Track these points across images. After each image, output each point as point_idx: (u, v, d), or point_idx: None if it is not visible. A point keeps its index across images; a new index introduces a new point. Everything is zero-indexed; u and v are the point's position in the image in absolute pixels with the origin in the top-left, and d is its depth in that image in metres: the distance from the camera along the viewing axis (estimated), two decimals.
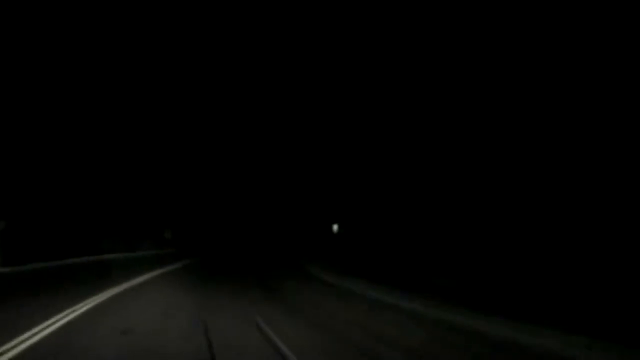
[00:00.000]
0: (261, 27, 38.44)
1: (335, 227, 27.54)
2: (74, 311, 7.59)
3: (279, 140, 47.96)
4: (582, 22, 12.62)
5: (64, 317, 7.09)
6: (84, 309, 7.88)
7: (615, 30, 11.90)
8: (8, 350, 5.20)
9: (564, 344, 6.52)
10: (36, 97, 23.11)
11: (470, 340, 7.06)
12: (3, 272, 14.46)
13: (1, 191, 19.49)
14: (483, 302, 10.24)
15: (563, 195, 13.45)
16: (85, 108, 27.95)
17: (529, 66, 14.30)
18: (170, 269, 18.62)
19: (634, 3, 11.44)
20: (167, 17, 34.54)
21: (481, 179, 18.07)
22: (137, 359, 5.11)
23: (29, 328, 6.16)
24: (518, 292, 12.22)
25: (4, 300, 8.95)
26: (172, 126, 43.40)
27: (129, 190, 35.33)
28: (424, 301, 10.34)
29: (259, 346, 5.89)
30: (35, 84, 23.10)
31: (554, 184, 13.68)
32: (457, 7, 17.97)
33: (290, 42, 36.85)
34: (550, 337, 6.89)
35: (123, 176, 34.07)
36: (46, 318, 6.85)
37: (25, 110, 22.13)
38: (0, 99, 20.49)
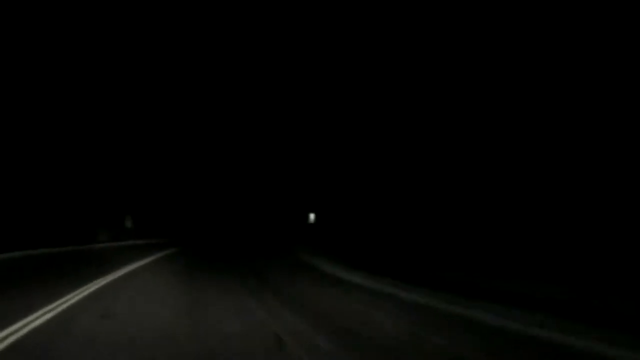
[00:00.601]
0: (235, 15, 37.02)
1: (312, 217, 26.83)
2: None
3: (253, 128, 46.82)
4: (582, 22, 12.43)
5: None
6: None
7: (616, 30, 11.75)
8: None
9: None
10: None
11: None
12: None
13: None
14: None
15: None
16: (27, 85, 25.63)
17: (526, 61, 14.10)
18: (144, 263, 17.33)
19: (634, 3, 11.31)
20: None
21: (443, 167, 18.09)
22: None
23: None
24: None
25: None
26: (140, 106, 40.97)
27: (79, 171, 31.75)
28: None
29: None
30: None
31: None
32: (456, 7, 17.58)
33: (272, 35, 35.80)
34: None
35: (73, 154, 30.78)
36: None
37: None
38: None
